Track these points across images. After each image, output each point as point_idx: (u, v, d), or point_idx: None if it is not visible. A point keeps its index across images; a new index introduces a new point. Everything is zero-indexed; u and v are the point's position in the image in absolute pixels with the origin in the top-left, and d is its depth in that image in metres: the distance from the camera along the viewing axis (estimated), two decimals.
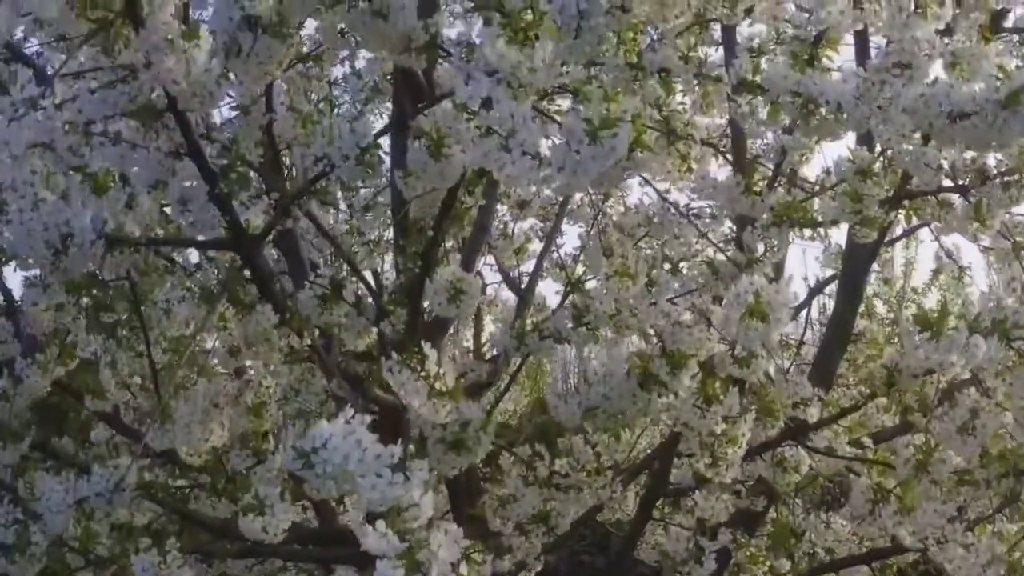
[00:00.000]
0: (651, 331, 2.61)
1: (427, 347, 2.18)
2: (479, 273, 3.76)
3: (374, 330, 2.59)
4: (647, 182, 2.68)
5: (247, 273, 2.21)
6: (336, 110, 3.70)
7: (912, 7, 1.91)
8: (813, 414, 2.80)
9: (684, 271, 3.05)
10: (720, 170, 2.61)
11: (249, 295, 2.34)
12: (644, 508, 3.22)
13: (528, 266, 4.19)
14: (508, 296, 4.40)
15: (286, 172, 2.71)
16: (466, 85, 1.86)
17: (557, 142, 1.94)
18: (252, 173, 2.79)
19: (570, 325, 2.80)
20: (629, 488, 3.22)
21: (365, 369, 2.57)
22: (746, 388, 2.76)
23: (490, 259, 4.25)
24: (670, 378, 2.52)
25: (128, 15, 1.78)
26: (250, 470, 2.58)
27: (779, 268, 3.07)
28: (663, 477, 3.20)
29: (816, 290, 3.90)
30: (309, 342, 2.21)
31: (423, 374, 2.15)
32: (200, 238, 2.03)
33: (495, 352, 2.91)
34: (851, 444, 3.01)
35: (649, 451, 3.42)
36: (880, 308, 4.47)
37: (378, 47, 2.32)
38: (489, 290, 4.57)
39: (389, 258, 4.01)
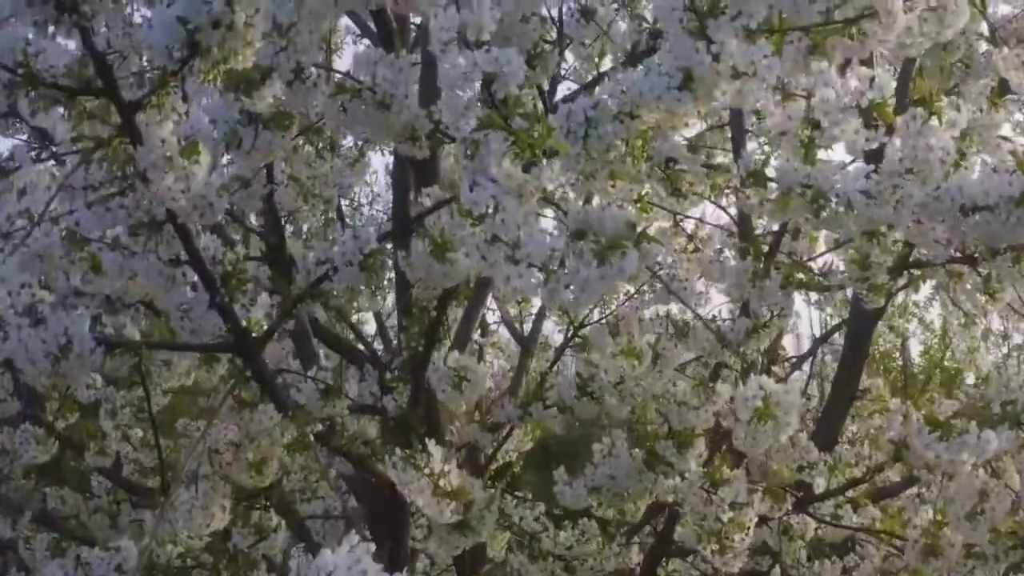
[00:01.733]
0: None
1: (431, 444, 2.15)
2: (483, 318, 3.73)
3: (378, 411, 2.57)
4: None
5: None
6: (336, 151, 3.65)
7: (927, 115, 1.87)
8: (820, 484, 2.78)
9: (690, 335, 3.01)
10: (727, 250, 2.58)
11: (251, 392, 2.32)
12: (648, 568, 3.20)
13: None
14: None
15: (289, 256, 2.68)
16: (471, 191, 1.83)
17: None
18: (255, 260, 2.79)
19: (575, 394, 2.78)
20: (632, 542, 3.20)
21: (368, 448, 2.54)
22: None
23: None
24: (676, 458, 2.50)
25: (126, 132, 1.75)
26: (252, 548, 2.56)
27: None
28: (667, 537, 3.18)
29: (821, 339, 3.88)
30: (312, 436, 2.19)
31: (427, 471, 2.12)
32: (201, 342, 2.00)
33: (500, 420, 2.88)
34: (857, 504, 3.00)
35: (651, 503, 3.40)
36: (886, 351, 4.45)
37: (381, 135, 2.29)
38: (491, 328, 4.56)
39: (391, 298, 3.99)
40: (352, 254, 1.95)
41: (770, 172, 2.16)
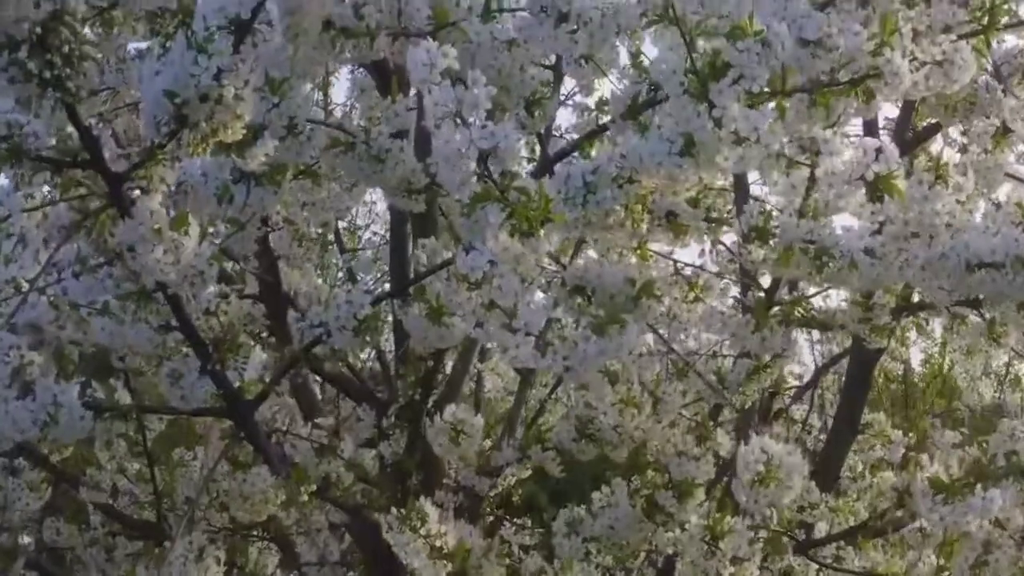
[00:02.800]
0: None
1: (427, 504, 2.12)
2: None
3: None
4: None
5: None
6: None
7: (932, 179, 1.83)
8: (822, 528, 2.75)
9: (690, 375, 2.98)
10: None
11: (245, 452, 2.29)
12: None
13: None
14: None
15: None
16: (467, 255, 1.79)
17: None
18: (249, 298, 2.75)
19: (573, 437, 2.74)
20: None
21: (363, 497, 2.52)
22: None
23: None
24: (676, 509, 2.47)
25: (114, 203, 1.71)
26: None
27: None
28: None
29: (823, 369, 3.84)
30: (305, 497, 2.15)
31: (423, 533, 2.09)
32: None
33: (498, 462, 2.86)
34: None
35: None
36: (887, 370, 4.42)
37: (376, 186, 2.25)
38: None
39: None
40: (346, 319, 1.91)
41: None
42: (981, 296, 2.72)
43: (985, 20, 2.25)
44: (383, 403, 2.67)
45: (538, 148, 2.70)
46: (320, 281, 3.69)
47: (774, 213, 2.08)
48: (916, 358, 6.12)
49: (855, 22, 1.96)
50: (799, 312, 2.73)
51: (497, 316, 1.84)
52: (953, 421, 4.83)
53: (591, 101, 2.70)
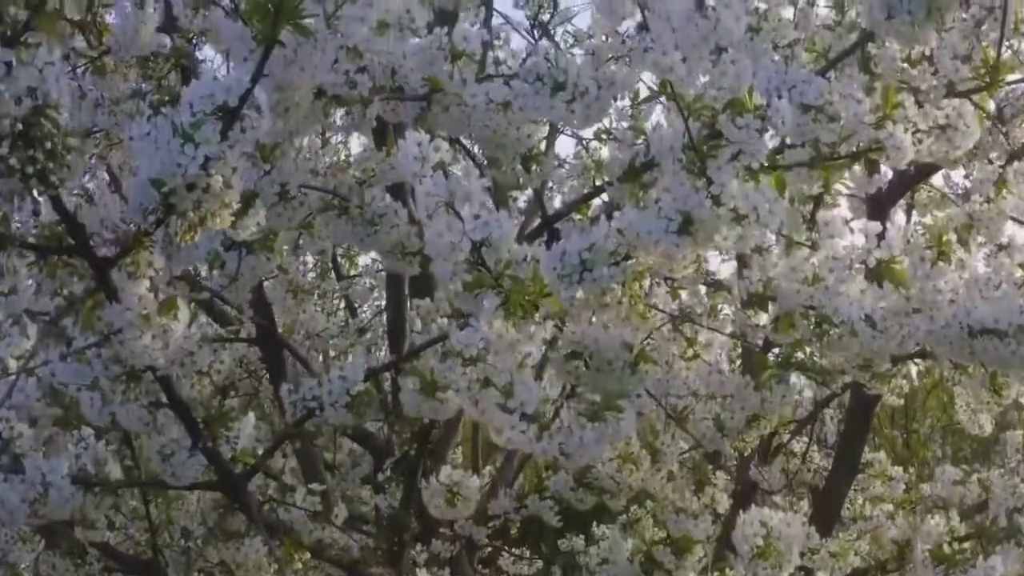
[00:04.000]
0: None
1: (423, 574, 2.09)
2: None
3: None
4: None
5: None
6: None
7: (934, 255, 1.80)
8: None
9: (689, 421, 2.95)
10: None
11: (239, 522, 2.26)
12: None
13: None
14: None
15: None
16: (461, 331, 1.76)
17: None
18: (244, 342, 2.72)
19: (571, 487, 2.72)
20: None
21: (360, 552, 2.49)
22: None
23: None
24: (674, 566, 2.44)
25: (101, 288, 1.68)
26: None
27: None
28: None
29: (822, 404, 3.80)
30: (300, 565, 2.13)
31: None
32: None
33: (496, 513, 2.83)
34: None
35: None
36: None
37: (370, 250, 2.22)
38: None
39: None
40: (339, 395, 1.89)
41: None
42: None
43: (988, 78, 2.24)
44: (379, 451, 2.64)
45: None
46: (317, 309, 3.65)
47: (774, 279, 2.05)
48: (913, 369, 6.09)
49: (857, 88, 1.93)
50: (798, 358, 2.71)
51: (492, 394, 1.82)
52: (952, 435, 4.79)
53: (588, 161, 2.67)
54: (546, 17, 3.75)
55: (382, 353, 3.43)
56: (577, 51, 3.85)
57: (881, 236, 1.69)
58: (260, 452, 1.98)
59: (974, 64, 2.30)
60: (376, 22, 1.84)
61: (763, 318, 2.08)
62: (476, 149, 2.44)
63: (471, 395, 1.86)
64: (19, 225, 1.65)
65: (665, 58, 1.71)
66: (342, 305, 4.17)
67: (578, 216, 2.27)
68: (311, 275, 3.94)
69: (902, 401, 3.62)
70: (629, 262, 1.81)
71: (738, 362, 2.74)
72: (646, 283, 1.87)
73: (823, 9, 2.81)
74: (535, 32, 3.79)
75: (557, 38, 3.89)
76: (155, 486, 2.03)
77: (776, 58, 2.39)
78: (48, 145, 1.47)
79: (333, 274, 4.05)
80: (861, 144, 1.82)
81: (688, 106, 1.77)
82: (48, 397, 1.89)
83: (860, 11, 2.19)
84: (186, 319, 1.72)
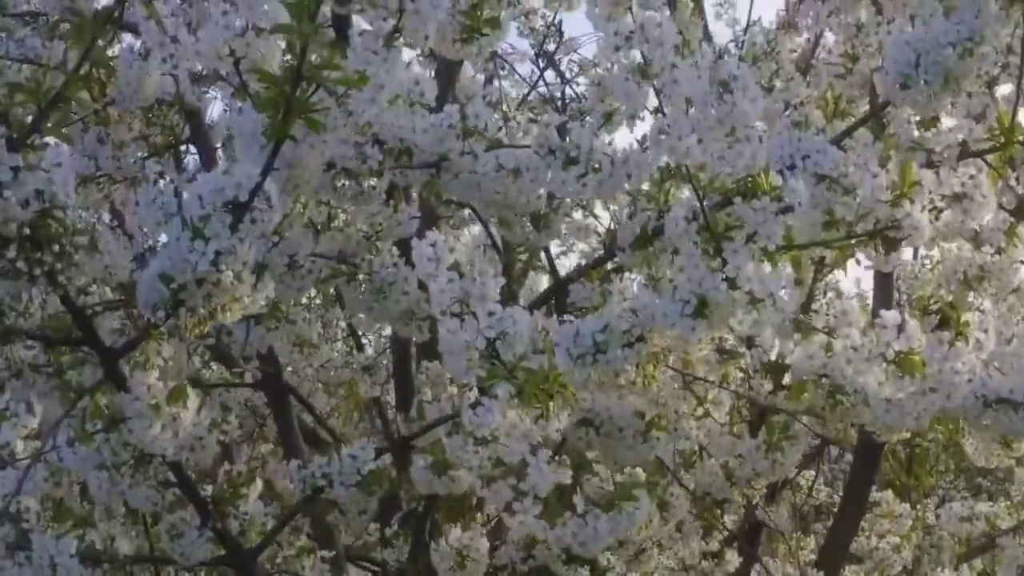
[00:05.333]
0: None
1: None
2: None
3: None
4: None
5: None
6: None
7: (953, 336, 1.77)
8: None
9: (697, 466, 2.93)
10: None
11: None
12: None
13: None
14: None
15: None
16: (473, 411, 1.74)
17: None
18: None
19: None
20: None
21: None
22: None
23: None
24: None
25: (110, 377, 1.65)
26: None
27: None
28: None
29: (829, 440, 3.78)
30: None
31: None
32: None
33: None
34: None
35: None
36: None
37: (378, 318, 2.20)
38: None
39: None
40: (349, 475, 1.87)
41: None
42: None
43: (1003, 138, 2.21)
44: (387, 503, 2.62)
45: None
46: (318, 336, 3.61)
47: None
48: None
49: (872, 158, 1.90)
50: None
51: (504, 476, 1.81)
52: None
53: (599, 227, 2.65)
54: (551, 46, 3.72)
55: (390, 397, 3.41)
56: (582, 80, 3.83)
57: (900, 329, 1.66)
58: (269, 527, 1.96)
59: (988, 123, 2.28)
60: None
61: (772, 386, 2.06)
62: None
63: (483, 474, 1.85)
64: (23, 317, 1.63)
65: (681, 143, 1.69)
66: (346, 331, 4.13)
67: (588, 282, 2.25)
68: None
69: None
70: (643, 344, 1.80)
71: (744, 411, 2.72)
72: (660, 366, 1.85)
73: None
74: (540, 61, 3.76)
75: (562, 67, 3.86)
76: (165, 563, 2.02)
77: (788, 118, 2.38)
78: (56, 247, 1.45)
79: (338, 305, 4.02)
80: (878, 223, 1.80)
81: (703, 187, 1.75)
82: (55, 477, 1.86)
83: (875, 80, 2.15)
84: (195, 406, 1.70)
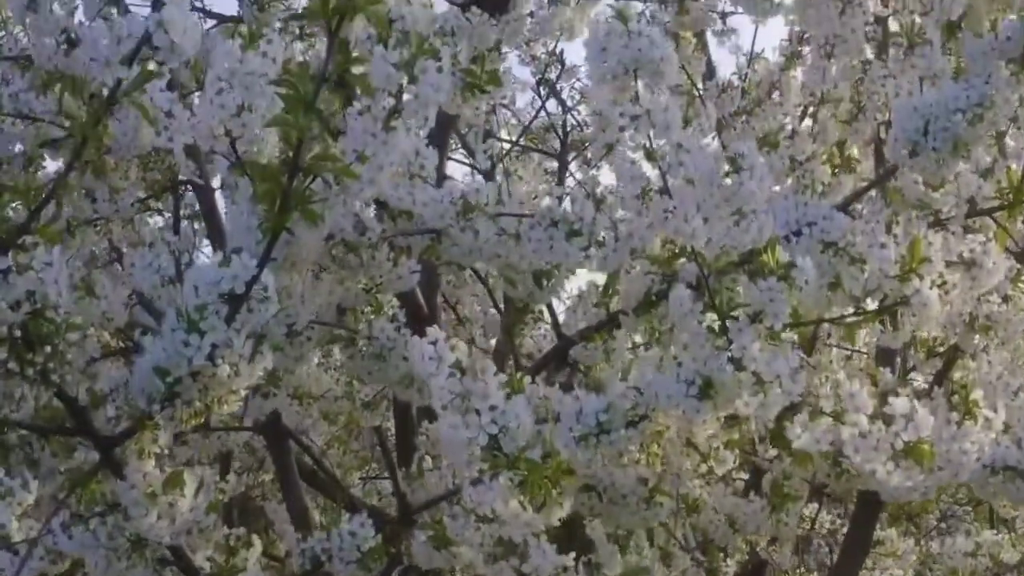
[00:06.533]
0: None
1: None
2: None
3: None
4: None
5: None
6: None
7: (961, 416, 1.74)
8: None
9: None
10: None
11: None
12: None
13: None
14: None
15: None
16: (473, 487, 1.71)
17: None
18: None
19: None
20: None
21: None
22: None
23: None
24: None
25: (106, 465, 1.63)
26: None
27: None
28: None
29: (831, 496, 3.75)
30: None
31: None
32: None
33: None
34: None
35: None
36: None
37: (378, 382, 2.17)
38: None
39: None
40: (349, 551, 1.84)
41: None
42: None
43: (1011, 196, 2.18)
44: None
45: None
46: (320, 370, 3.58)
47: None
48: None
49: (880, 228, 1.87)
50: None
51: (506, 555, 1.78)
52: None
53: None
54: (553, 75, 3.68)
55: (391, 434, 3.37)
56: (583, 108, 3.79)
57: (909, 420, 1.63)
58: None
59: (996, 178, 2.25)
60: None
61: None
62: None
63: (484, 552, 1.83)
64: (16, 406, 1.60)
65: (687, 225, 1.66)
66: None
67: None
68: None
69: None
70: (647, 422, 1.77)
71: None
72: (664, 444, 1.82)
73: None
74: (541, 89, 3.73)
75: (564, 95, 3.82)
76: None
77: (791, 180, 2.34)
78: (48, 348, 1.42)
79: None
80: (886, 298, 1.77)
81: (708, 265, 1.72)
82: (52, 555, 1.83)
83: (884, 144, 2.12)
84: (192, 492, 1.67)
